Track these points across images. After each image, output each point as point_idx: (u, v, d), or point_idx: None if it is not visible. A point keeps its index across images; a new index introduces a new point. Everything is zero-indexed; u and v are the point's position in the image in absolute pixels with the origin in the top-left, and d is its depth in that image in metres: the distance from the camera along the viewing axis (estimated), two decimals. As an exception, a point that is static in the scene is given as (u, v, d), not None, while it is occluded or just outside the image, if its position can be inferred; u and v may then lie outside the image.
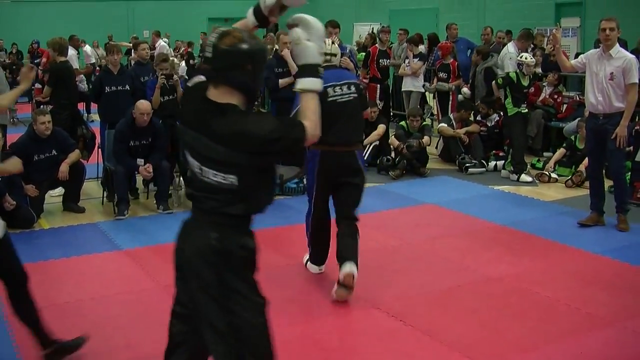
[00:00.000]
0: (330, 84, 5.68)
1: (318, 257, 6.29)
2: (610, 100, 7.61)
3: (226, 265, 3.03)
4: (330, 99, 5.68)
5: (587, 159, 8.66)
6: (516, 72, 10.10)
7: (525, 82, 10.10)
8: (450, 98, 12.57)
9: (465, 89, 12.47)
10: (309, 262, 6.41)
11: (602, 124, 7.69)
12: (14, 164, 4.53)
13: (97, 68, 18.75)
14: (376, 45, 13.56)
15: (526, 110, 10.28)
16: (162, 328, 3.40)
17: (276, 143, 2.93)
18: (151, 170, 8.31)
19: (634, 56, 7.83)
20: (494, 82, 10.88)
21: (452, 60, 12.66)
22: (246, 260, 3.09)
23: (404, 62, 13.33)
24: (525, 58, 10.12)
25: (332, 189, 5.93)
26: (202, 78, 3.09)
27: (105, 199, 8.83)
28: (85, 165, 8.80)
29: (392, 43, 14.67)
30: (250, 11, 3.35)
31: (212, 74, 3.02)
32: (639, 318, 5.35)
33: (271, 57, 10.00)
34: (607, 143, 7.71)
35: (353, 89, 5.88)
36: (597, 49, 7.93)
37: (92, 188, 9.39)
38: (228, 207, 3.05)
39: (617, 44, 7.77)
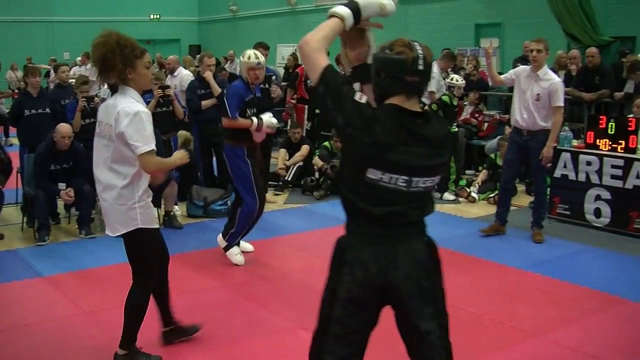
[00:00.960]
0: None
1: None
2: (535, 119, 7.81)
3: (438, 265, 3.32)
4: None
5: None
6: (448, 95, 10.28)
7: (455, 103, 10.32)
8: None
9: None
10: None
11: (526, 141, 7.88)
12: (180, 157, 4.80)
13: (16, 91, 18.37)
14: (303, 66, 13.60)
15: (456, 129, 10.52)
16: (85, 355, 3.32)
17: None
18: (73, 195, 8.15)
19: (560, 80, 8.04)
20: (426, 106, 11.03)
21: (374, 80, 12.74)
22: None
23: None
24: (457, 80, 10.33)
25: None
26: (359, 94, 3.08)
27: (25, 224, 8.62)
28: (3, 190, 8.57)
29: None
30: (349, 12, 3.21)
31: (419, 85, 3.13)
32: (561, 330, 5.44)
33: (194, 79, 9.95)
34: (530, 160, 7.92)
35: None
36: (527, 67, 8.11)
37: (10, 214, 9.15)
38: (428, 208, 3.24)
39: (546, 66, 7.96)
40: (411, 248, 3.16)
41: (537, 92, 7.79)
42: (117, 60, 4.42)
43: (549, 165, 8.40)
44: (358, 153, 3.06)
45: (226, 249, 7.10)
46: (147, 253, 4.74)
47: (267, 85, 9.51)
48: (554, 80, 7.86)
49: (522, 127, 7.95)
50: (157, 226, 4.78)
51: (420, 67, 3.09)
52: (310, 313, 5.80)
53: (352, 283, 3.24)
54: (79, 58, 20.75)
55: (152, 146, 4.41)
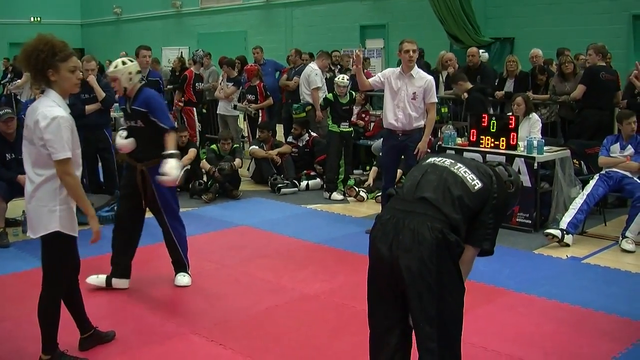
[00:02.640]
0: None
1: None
2: (411, 118, 8.01)
3: (448, 253, 3.47)
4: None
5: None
6: (332, 93, 10.34)
7: (344, 100, 10.33)
8: (260, 120, 12.63)
9: None
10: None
11: (402, 141, 8.06)
12: (95, 225, 4.74)
13: None
14: (192, 69, 13.48)
15: (349, 129, 10.51)
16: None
17: None
18: None
19: (432, 77, 8.28)
20: (320, 103, 11.14)
21: (258, 82, 12.71)
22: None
23: (220, 84, 13.33)
24: (340, 79, 10.43)
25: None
26: None
27: None
28: None
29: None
30: None
31: None
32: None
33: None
34: (406, 160, 8.11)
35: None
36: (395, 68, 8.30)
37: None
38: (453, 209, 3.57)
39: (416, 65, 8.16)
40: (416, 227, 3.45)
41: (412, 91, 8.01)
42: (31, 65, 4.53)
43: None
44: None
45: None
46: (61, 258, 4.74)
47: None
48: (428, 78, 8.15)
49: (396, 128, 8.13)
50: (76, 234, 4.74)
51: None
52: (202, 317, 5.78)
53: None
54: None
55: (67, 154, 4.46)
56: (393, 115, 8.12)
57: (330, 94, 10.39)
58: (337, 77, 10.75)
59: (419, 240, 3.42)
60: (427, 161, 3.83)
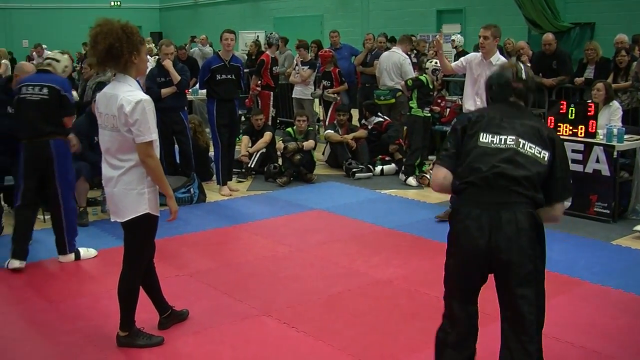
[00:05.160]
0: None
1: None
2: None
3: (540, 235, 3.61)
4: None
5: None
6: (425, 76, 10.23)
7: (431, 86, 10.25)
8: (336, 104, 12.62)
9: None
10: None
11: None
12: (174, 206, 4.90)
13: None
14: (267, 53, 13.50)
15: (429, 114, 10.41)
16: None
17: None
18: None
19: None
20: (404, 82, 11.03)
21: (333, 67, 12.70)
22: None
23: (294, 69, 13.33)
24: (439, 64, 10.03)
25: None
26: None
27: None
28: None
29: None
30: None
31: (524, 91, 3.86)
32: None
33: (154, 67, 9.87)
34: None
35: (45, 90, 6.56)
36: (478, 53, 8.15)
37: None
38: (532, 184, 3.69)
39: (497, 52, 8.00)
40: (514, 218, 3.52)
41: None
42: (124, 49, 4.52)
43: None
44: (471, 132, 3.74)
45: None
46: (147, 239, 4.90)
47: (232, 77, 9.48)
48: None
49: None
50: (159, 214, 4.84)
51: (523, 76, 3.85)
52: (276, 299, 5.84)
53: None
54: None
55: (152, 137, 4.54)
56: (472, 102, 8.00)
57: (424, 77, 10.25)
58: (431, 61, 10.46)
59: (518, 229, 3.51)
60: (487, 145, 3.68)
